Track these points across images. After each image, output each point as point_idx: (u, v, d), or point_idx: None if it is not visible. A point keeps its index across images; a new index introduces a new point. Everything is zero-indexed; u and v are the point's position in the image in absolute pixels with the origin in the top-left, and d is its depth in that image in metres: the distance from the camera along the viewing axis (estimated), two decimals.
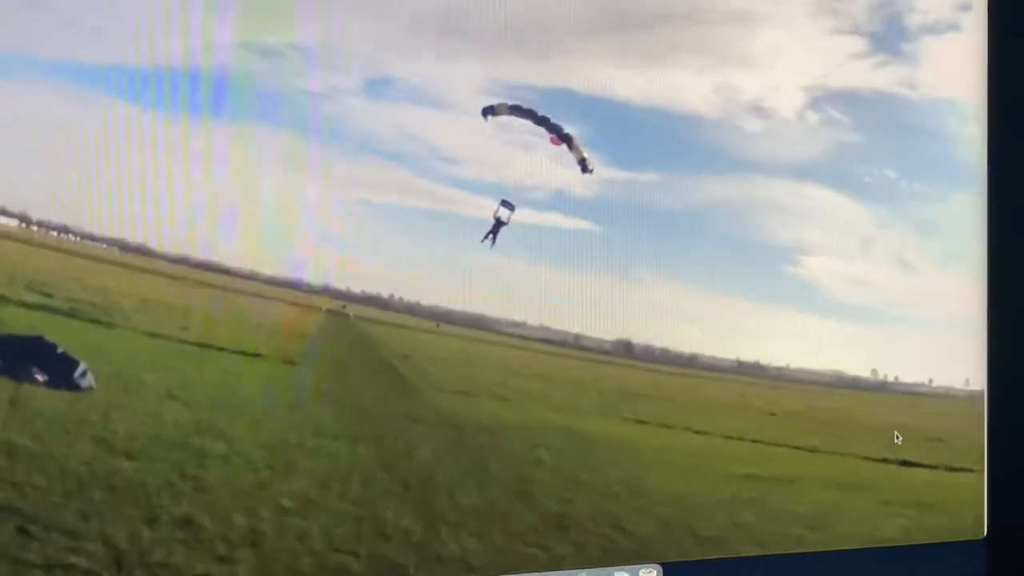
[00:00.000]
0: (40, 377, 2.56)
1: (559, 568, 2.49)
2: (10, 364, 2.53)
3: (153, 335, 3.09)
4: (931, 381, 2.93)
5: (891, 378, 2.98)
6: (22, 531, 2.09)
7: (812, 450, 3.01)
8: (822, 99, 2.81)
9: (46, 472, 2.31)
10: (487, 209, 2.73)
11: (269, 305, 3.13)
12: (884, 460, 2.88)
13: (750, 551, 2.64)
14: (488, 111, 2.60)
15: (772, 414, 3.06)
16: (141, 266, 2.91)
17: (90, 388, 2.62)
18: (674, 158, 2.78)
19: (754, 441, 2.98)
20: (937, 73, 2.84)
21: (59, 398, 2.54)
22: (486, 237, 2.66)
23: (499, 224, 2.67)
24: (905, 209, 2.90)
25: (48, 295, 3.10)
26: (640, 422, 3.07)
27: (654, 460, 2.91)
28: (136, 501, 2.30)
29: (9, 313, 2.67)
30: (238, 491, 2.46)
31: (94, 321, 3.06)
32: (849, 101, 2.83)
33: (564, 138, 2.71)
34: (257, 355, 3.17)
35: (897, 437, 2.87)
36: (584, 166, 2.71)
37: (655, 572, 2.44)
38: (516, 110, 2.64)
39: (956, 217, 2.86)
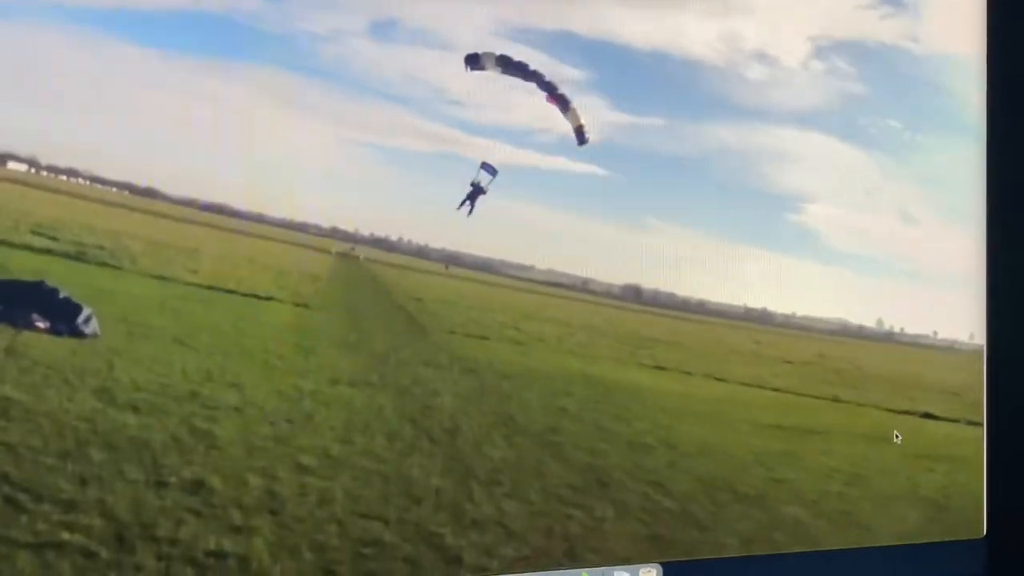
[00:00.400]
0: (41, 324, 2.11)
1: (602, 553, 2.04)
2: (9, 310, 2.08)
3: (161, 278, 2.64)
4: (935, 333, 2.53)
5: (896, 329, 2.59)
6: (10, 502, 1.58)
7: (834, 400, 2.57)
8: (827, 49, 2.49)
9: (41, 431, 1.84)
10: (493, 152, 2.33)
11: (279, 247, 2.70)
12: (906, 412, 2.44)
13: (794, 510, 2.22)
14: (471, 62, 2.09)
15: (788, 362, 2.64)
16: (149, 209, 2.50)
17: (94, 334, 2.16)
18: (678, 104, 2.43)
19: (775, 390, 2.55)
20: (940, 27, 2.48)
21: (60, 345, 2.09)
22: (462, 205, 2.19)
23: (477, 191, 2.21)
24: (908, 161, 2.56)
25: (54, 239, 2.66)
26: (659, 368, 2.65)
27: (678, 408, 2.50)
28: (141, 462, 1.81)
29: (13, 257, 2.24)
30: (253, 448, 1.98)
31: (101, 264, 2.60)
32: (854, 52, 2.51)
33: (559, 99, 2.23)
34: (269, 298, 2.70)
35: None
36: (580, 136, 2.24)
37: (655, 572, 1.96)
38: (504, 62, 2.16)
39: (957, 170, 2.53)
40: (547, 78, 2.24)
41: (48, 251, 2.54)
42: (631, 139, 2.39)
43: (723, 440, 2.34)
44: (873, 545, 2.24)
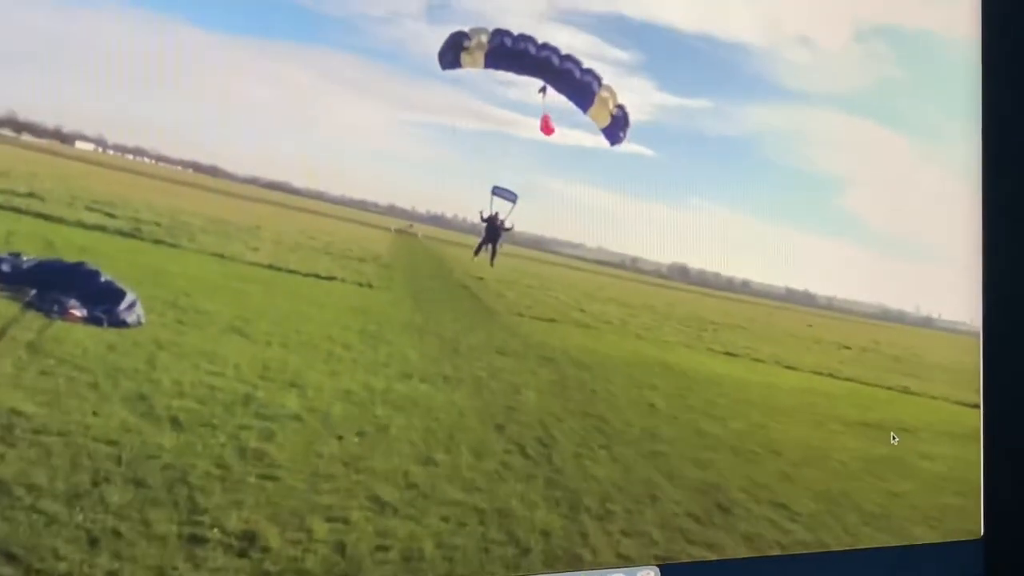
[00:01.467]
0: (77, 312, 1.41)
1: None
2: (43, 295, 1.32)
3: (220, 256, 1.90)
4: (971, 321, 1.82)
5: (935, 315, 1.95)
6: None
7: (905, 391, 1.84)
8: (867, 32, 1.92)
9: (49, 460, 1.05)
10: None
11: (338, 225, 2.07)
12: (975, 406, 1.71)
13: (922, 532, 1.49)
14: (448, 57, 1.27)
15: (846, 347, 1.94)
16: (211, 186, 1.83)
17: (137, 323, 1.41)
18: (724, 86, 1.86)
19: (846, 379, 1.82)
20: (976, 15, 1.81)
21: (96, 339, 1.36)
22: (479, 251, 1.39)
23: (495, 230, 1.36)
24: (944, 146, 1.88)
25: (110, 215, 1.96)
26: (730, 355, 1.93)
27: (764, 403, 1.83)
28: (174, 504, 1.02)
29: (62, 234, 1.60)
30: (317, 475, 1.22)
31: (156, 241, 1.86)
32: (893, 36, 1.89)
33: (579, 92, 1.43)
34: (331, 278, 1.95)
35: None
36: (617, 131, 1.42)
37: (653, 574, 1.24)
38: (497, 53, 1.33)
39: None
40: (561, 58, 1.43)
41: (101, 227, 1.83)
42: (678, 120, 1.84)
43: (822, 443, 1.67)
44: (872, 546, 1.57)
